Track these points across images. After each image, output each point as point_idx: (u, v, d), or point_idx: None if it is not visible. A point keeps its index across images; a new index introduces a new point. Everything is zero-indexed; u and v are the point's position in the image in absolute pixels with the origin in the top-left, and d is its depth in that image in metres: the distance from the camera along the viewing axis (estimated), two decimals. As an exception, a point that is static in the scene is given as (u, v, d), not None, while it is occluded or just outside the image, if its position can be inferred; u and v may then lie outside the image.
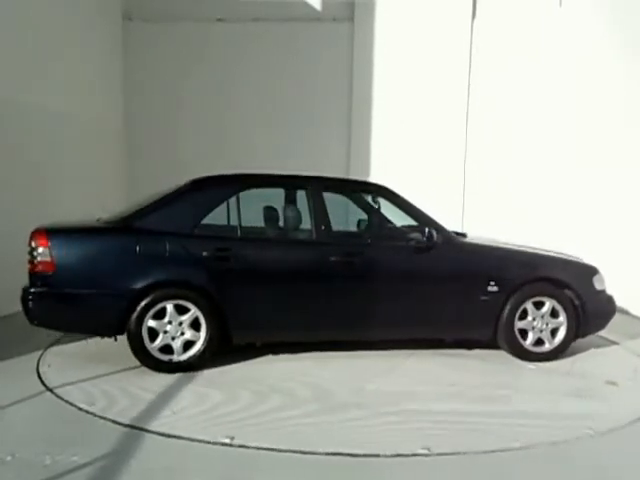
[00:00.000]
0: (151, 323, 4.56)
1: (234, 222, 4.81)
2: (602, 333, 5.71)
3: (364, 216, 5.63)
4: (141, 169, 8.75)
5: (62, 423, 3.74)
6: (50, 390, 4.23)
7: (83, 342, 5.35)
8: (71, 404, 3.98)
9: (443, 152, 8.49)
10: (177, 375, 4.60)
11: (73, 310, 4.56)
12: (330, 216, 4.98)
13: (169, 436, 3.53)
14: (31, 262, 4.49)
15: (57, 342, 5.38)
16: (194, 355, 4.66)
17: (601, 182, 7.55)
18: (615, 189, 7.29)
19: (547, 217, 8.30)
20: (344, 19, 8.60)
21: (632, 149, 6.97)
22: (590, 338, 5.56)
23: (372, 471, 3.26)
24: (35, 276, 4.48)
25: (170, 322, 4.60)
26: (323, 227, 4.94)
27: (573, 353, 5.42)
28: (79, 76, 7.64)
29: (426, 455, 3.38)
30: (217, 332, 4.68)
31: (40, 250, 4.43)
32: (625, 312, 6.82)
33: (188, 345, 4.68)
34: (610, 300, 5.49)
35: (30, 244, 4.50)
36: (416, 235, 5.08)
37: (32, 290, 4.49)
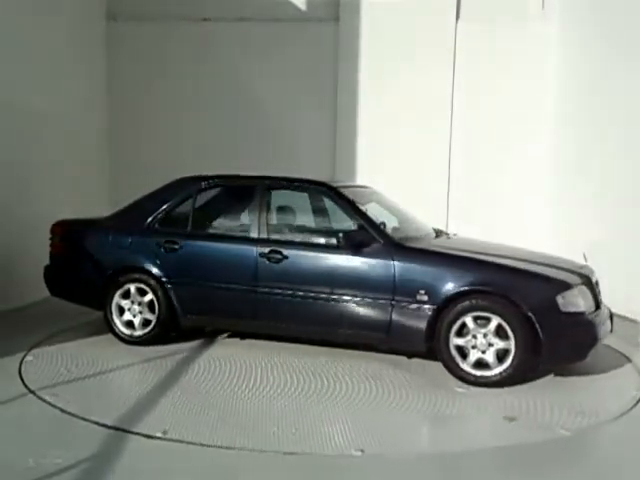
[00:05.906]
0: (119, 301, 5.42)
1: (188, 218, 5.50)
2: (619, 347, 5.20)
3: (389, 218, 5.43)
4: (125, 169, 8.67)
5: (45, 425, 3.71)
6: (32, 392, 4.19)
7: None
8: (54, 406, 3.94)
9: (428, 151, 8.49)
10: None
11: (72, 285, 5.76)
12: (273, 213, 5.44)
13: (153, 437, 3.51)
14: (50, 246, 5.72)
15: (39, 343, 5.33)
16: (149, 332, 5.36)
17: (588, 179, 7.59)
18: (606, 189, 7.27)
19: (534, 217, 8.36)
20: (329, 19, 8.58)
21: (619, 147, 7.00)
22: (602, 353, 4.71)
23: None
24: (51, 257, 5.75)
25: (132, 302, 5.42)
26: (262, 224, 5.25)
27: (552, 374, 4.69)
28: (63, 76, 7.55)
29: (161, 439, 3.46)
30: (168, 314, 5.32)
31: (54, 237, 5.70)
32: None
33: (149, 323, 5.39)
34: (588, 325, 4.49)
35: (50, 232, 5.70)
36: (343, 236, 4.94)
37: (49, 267, 5.77)
